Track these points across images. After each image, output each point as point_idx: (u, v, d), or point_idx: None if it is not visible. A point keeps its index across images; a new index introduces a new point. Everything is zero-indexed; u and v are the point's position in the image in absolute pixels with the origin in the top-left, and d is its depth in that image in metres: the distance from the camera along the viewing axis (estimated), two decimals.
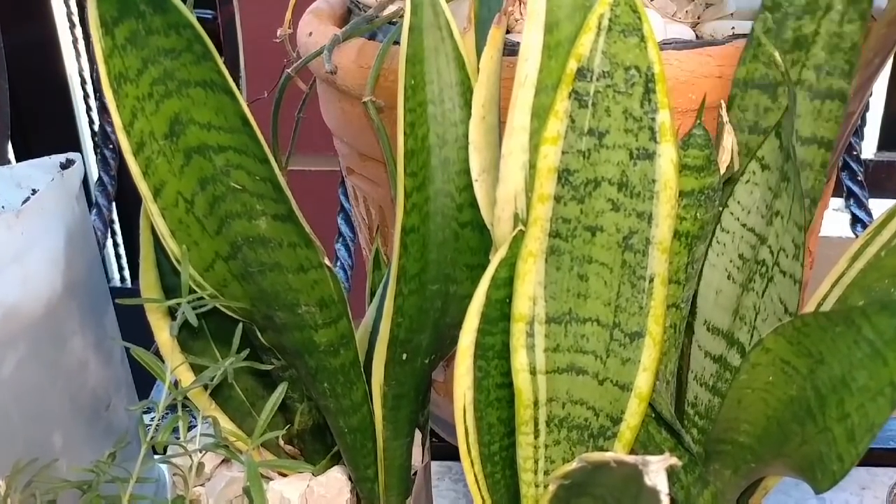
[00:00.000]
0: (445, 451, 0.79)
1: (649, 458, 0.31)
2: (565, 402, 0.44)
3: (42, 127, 1.42)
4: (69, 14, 1.38)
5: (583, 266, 0.42)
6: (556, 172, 0.40)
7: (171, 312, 0.53)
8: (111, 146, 1.09)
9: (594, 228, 0.41)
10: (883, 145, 1.26)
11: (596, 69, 0.38)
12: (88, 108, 1.43)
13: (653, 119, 0.39)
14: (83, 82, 1.42)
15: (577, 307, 0.42)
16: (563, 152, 0.40)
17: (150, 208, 0.46)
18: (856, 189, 0.98)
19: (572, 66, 0.38)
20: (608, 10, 0.37)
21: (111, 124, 1.10)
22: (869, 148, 1.25)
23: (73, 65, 1.41)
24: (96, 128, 1.37)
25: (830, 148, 0.45)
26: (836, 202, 1.12)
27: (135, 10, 0.42)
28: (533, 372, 0.43)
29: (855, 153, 0.97)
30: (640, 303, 0.41)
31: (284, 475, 0.58)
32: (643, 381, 0.42)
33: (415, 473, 0.59)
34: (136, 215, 0.50)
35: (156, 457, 0.53)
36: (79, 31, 1.38)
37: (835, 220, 1.15)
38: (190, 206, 0.47)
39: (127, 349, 0.64)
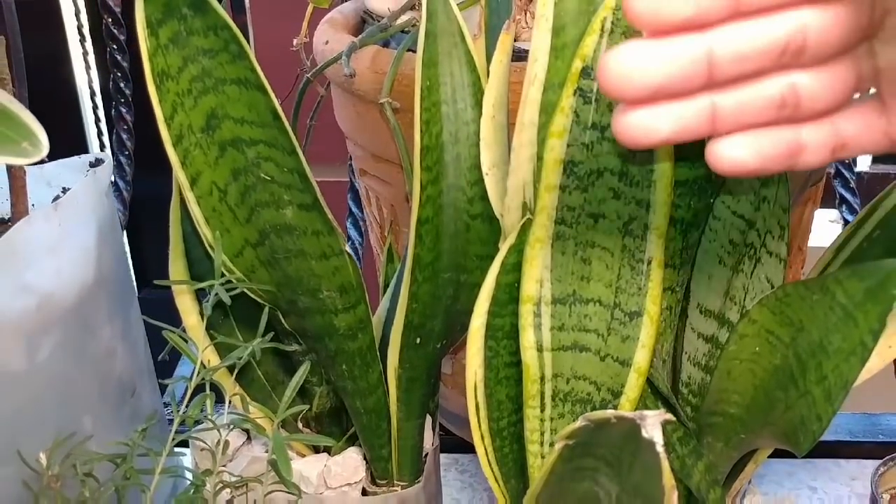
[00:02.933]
0: (452, 443, 0.82)
1: (646, 412, 0.35)
2: (569, 377, 0.47)
3: (51, 137, 1.44)
4: (79, 26, 1.41)
5: (586, 250, 0.45)
6: (562, 164, 0.44)
7: (199, 299, 0.57)
8: (126, 153, 1.12)
9: (597, 215, 0.44)
10: (877, 157, 1.29)
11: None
12: (97, 119, 1.46)
13: None
14: (92, 94, 1.45)
15: (581, 289, 0.46)
16: (568, 145, 0.43)
17: (188, 196, 0.49)
18: (848, 196, 1.01)
19: (577, 65, 0.42)
20: (611, 14, 0.41)
21: (127, 131, 1.14)
22: (864, 160, 1.27)
23: (82, 76, 1.44)
24: (105, 139, 1.40)
25: None
26: (832, 214, 1.15)
27: (177, 13, 0.46)
28: (540, 349, 0.46)
29: (847, 161, 1.00)
30: (638, 284, 0.45)
31: (303, 455, 0.61)
32: (641, 357, 0.46)
33: (426, 455, 0.62)
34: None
35: (184, 435, 0.57)
36: (89, 44, 1.41)
37: (829, 231, 1.18)
38: (223, 196, 0.50)
39: (150, 337, 0.68)
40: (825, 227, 1.21)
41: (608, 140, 0.43)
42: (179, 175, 0.48)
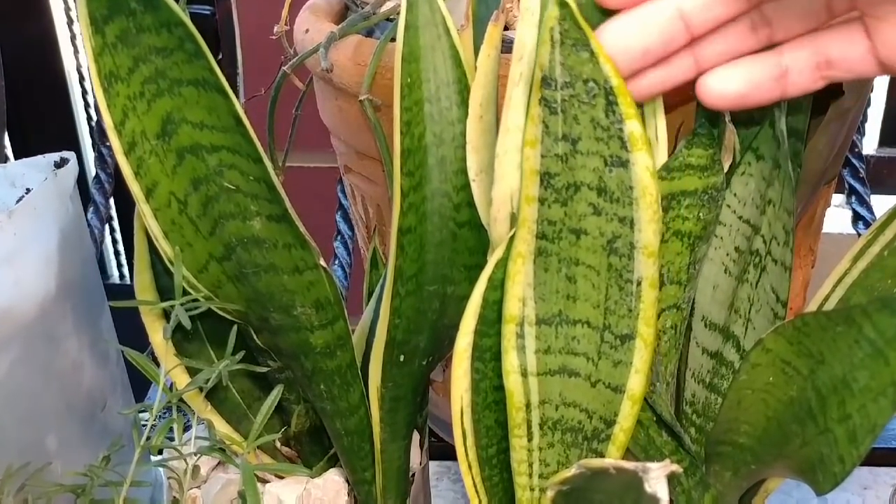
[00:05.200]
0: (444, 451, 0.78)
1: (649, 464, 0.31)
2: (558, 404, 0.43)
3: (40, 123, 1.41)
4: (67, 9, 1.38)
5: (570, 268, 0.41)
6: (538, 175, 0.39)
7: (166, 314, 0.53)
8: (108, 143, 1.08)
9: (578, 231, 0.40)
10: (884, 141, 1.26)
11: (558, 79, 0.37)
12: (87, 105, 1.43)
13: (620, 129, 0.37)
14: (81, 78, 1.42)
15: (567, 309, 0.42)
16: (542, 156, 0.39)
17: (143, 209, 0.45)
18: (857, 186, 0.98)
19: (538, 74, 0.37)
20: (557, 25, 0.36)
21: None
22: (870, 144, 1.24)
23: (70, 61, 1.40)
24: (94, 124, 1.36)
25: (801, 138, 0.45)
26: (838, 198, 1.12)
27: (125, 8, 0.41)
28: (524, 374, 0.42)
29: (856, 150, 0.97)
30: (628, 305, 0.41)
31: (281, 477, 0.57)
32: (635, 383, 0.42)
33: (413, 475, 0.59)
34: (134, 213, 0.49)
35: (151, 459, 0.53)
36: (76, 26, 1.38)
37: (836, 216, 1.15)
38: (183, 207, 0.46)
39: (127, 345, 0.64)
40: (829, 213, 1.18)
41: (581, 153, 0.38)
42: (133, 186, 0.44)
